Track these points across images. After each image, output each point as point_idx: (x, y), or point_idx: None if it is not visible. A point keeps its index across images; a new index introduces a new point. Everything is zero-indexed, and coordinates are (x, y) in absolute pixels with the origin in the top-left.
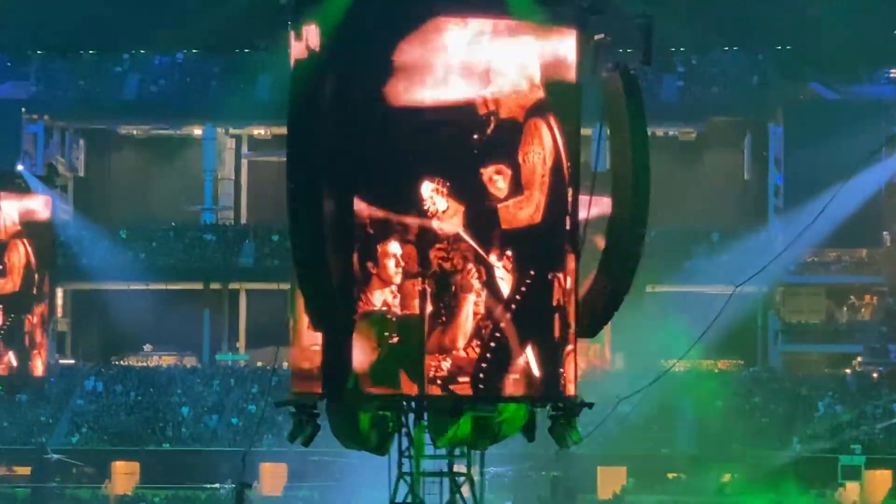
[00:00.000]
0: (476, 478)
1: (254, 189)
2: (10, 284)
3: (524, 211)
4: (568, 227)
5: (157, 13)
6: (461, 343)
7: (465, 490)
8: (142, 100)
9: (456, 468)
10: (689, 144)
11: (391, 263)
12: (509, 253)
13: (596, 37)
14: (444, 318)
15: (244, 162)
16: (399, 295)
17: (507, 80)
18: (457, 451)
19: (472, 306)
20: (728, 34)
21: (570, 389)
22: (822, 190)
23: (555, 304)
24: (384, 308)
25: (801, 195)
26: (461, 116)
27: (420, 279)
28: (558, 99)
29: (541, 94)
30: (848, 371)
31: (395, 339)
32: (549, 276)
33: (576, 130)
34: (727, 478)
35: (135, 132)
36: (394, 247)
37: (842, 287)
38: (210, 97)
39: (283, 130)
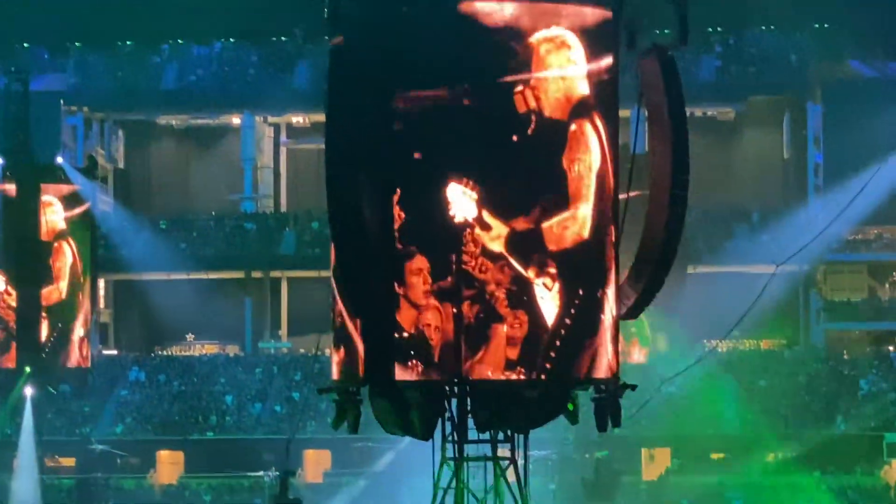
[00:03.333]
0: (520, 461)
1: (293, 177)
2: (56, 293)
3: (570, 230)
4: (614, 238)
5: (194, 3)
6: (497, 369)
7: (510, 474)
8: (180, 90)
9: (500, 452)
10: (728, 124)
11: (419, 281)
12: (552, 270)
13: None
14: (477, 344)
15: (283, 150)
16: (431, 321)
17: (550, 67)
18: (500, 436)
19: (503, 333)
20: (765, 13)
21: (613, 372)
22: (862, 167)
23: (607, 322)
24: (414, 333)
25: (840, 173)
26: (498, 112)
27: (453, 302)
28: (601, 90)
29: (586, 89)
30: (891, 348)
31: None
32: (599, 294)
33: (615, 118)
34: (772, 457)
35: (174, 122)
36: (421, 261)
37: (884, 264)
38: (248, 86)
39: (322, 118)
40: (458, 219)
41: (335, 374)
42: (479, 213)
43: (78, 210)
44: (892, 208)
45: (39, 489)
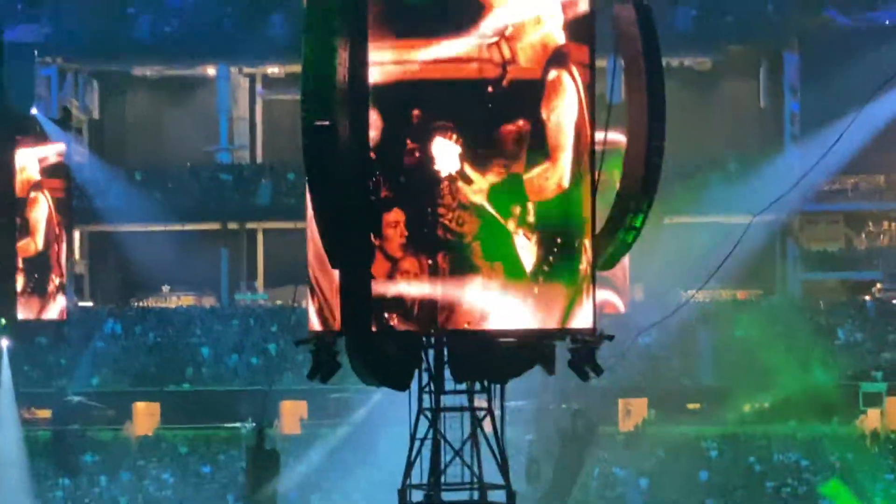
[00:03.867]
0: (496, 412)
1: (269, 128)
2: (32, 245)
3: (551, 180)
4: (591, 188)
5: None
6: (474, 319)
7: (486, 424)
8: (155, 41)
9: (476, 403)
10: (705, 74)
11: (395, 234)
12: (532, 220)
13: None
14: (454, 295)
15: (258, 101)
16: (408, 273)
17: (523, 14)
18: (477, 386)
19: (480, 285)
20: None
21: (590, 323)
22: (839, 117)
23: (584, 272)
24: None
25: (817, 122)
26: (473, 64)
27: (428, 254)
28: (577, 33)
29: (562, 38)
30: (868, 297)
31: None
32: (577, 244)
33: (592, 66)
34: (748, 407)
35: (148, 73)
36: (398, 214)
37: (860, 213)
38: (223, 37)
39: (297, 68)
40: (444, 173)
41: (312, 325)
42: (462, 166)
43: (53, 161)
44: (868, 157)
45: (23, 442)
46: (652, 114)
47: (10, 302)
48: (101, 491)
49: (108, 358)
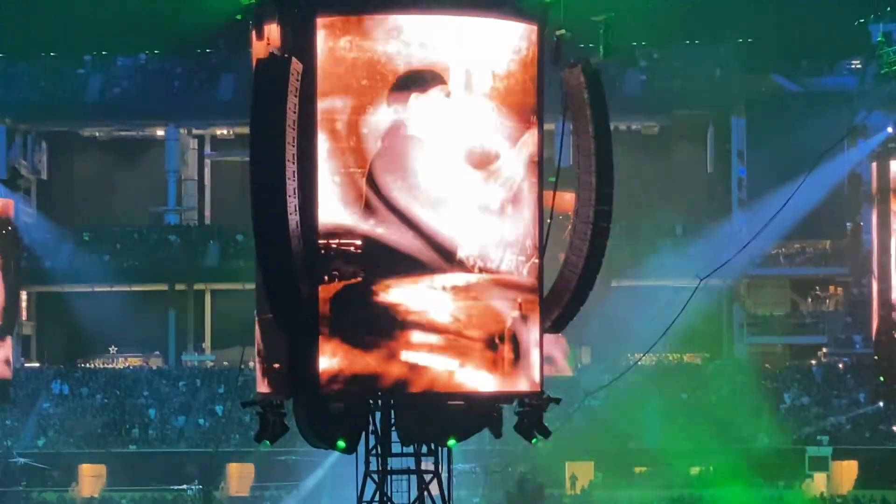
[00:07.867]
0: (444, 475)
1: (217, 189)
2: None
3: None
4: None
5: (119, 15)
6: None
7: (434, 487)
8: (104, 102)
9: (423, 465)
10: (653, 138)
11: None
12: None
13: (557, 32)
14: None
15: (207, 162)
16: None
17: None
18: (424, 449)
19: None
20: (690, 28)
21: (537, 385)
22: (786, 182)
23: (533, 336)
24: None
25: (764, 187)
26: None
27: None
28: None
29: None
30: (813, 362)
31: None
32: (526, 309)
33: (539, 127)
34: (695, 471)
35: (97, 134)
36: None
37: (806, 278)
38: (172, 98)
39: (246, 130)
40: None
41: (259, 387)
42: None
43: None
44: (814, 223)
45: None
46: (599, 177)
47: None
48: None
49: (55, 419)
